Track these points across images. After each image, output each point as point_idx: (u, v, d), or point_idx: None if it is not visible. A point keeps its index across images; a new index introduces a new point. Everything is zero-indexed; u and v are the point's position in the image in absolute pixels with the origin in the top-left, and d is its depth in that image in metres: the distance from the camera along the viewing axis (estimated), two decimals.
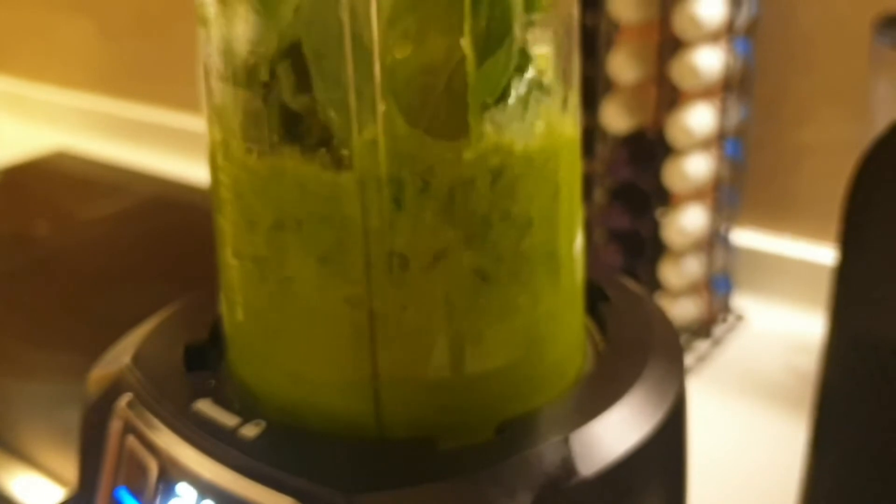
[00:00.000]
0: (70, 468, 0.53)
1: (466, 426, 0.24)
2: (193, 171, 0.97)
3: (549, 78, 0.24)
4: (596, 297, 0.29)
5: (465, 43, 0.22)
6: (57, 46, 1.14)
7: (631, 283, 0.30)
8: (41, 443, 0.56)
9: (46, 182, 1.01)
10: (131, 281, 0.77)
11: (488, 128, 0.23)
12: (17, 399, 0.61)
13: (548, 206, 0.25)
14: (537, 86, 0.24)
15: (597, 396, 0.25)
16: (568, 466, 0.23)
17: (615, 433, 0.24)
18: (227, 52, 0.23)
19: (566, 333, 0.26)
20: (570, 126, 0.25)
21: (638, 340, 0.27)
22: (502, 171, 0.23)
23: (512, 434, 0.24)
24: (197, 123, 1.01)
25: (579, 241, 0.26)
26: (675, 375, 0.26)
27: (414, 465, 0.23)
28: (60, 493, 0.51)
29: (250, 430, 0.24)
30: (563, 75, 0.25)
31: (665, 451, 0.25)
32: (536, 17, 0.23)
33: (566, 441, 0.23)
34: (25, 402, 0.61)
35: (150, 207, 0.93)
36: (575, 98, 0.25)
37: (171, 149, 1.02)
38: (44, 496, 0.51)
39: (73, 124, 1.12)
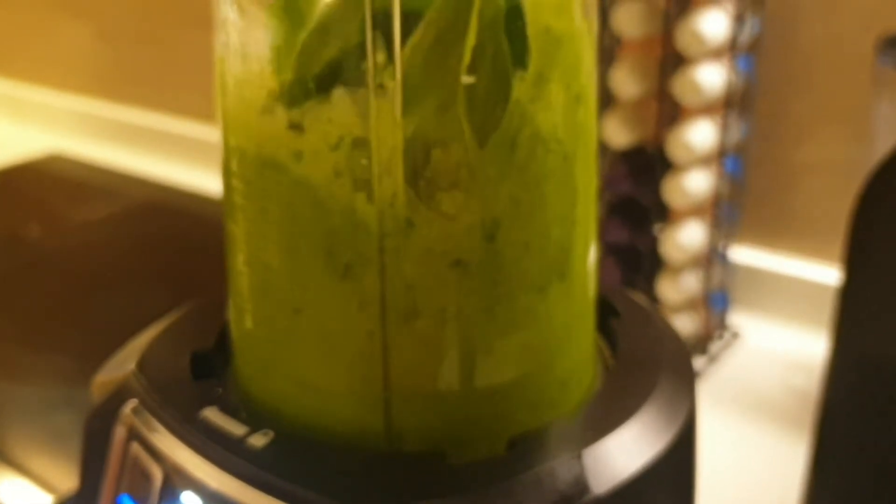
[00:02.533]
0: (59, 474, 0.53)
1: (477, 440, 0.24)
2: (188, 175, 0.97)
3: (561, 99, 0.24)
4: (606, 313, 0.29)
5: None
6: (53, 49, 1.14)
7: (640, 298, 0.30)
8: (29, 447, 0.56)
9: (41, 185, 1.00)
10: (123, 285, 0.77)
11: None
12: (5, 402, 0.60)
13: (562, 220, 0.25)
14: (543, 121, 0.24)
15: (609, 413, 0.25)
16: (580, 484, 0.22)
17: (628, 450, 0.23)
18: (246, 57, 0.23)
19: (578, 348, 0.26)
20: (586, 140, 0.25)
21: (649, 356, 0.27)
22: (516, 186, 0.23)
23: (523, 449, 0.24)
24: (193, 128, 1.00)
25: (592, 255, 0.26)
26: (687, 392, 0.26)
27: (424, 479, 0.23)
28: (48, 499, 0.51)
29: (258, 440, 0.24)
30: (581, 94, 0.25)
31: (676, 469, 0.25)
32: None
33: (579, 458, 0.23)
34: (14, 406, 0.60)
35: (144, 211, 0.92)
36: (592, 112, 0.25)
37: (166, 153, 1.02)
38: (31, 502, 0.51)
39: (69, 127, 1.12)
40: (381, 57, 0.21)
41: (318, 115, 0.22)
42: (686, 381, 0.26)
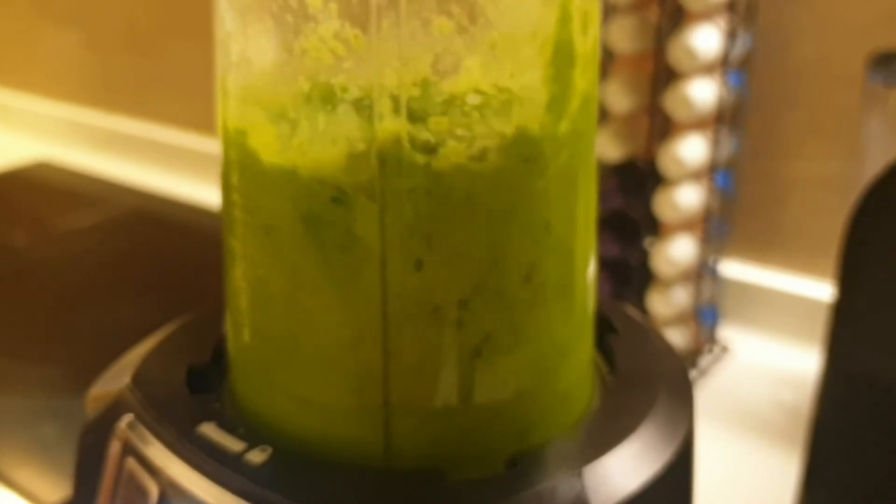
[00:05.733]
0: (45, 486, 0.52)
1: (477, 458, 0.24)
2: (176, 184, 0.97)
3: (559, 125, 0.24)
4: (603, 329, 0.29)
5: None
6: (43, 57, 1.13)
7: (637, 315, 0.30)
8: (15, 459, 0.55)
9: (28, 193, 1.00)
10: (110, 294, 0.76)
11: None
12: None
13: (563, 238, 0.25)
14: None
15: (608, 430, 0.25)
16: (581, 502, 0.22)
17: (628, 468, 0.23)
18: (249, 72, 0.23)
19: (577, 365, 0.26)
20: (586, 153, 0.25)
21: (647, 374, 0.27)
22: (518, 199, 0.23)
23: (523, 467, 0.23)
24: (180, 137, 1.00)
25: (592, 270, 0.26)
26: (686, 410, 0.26)
27: (423, 497, 0.23)
28: None
29: (256, 456, 0.24)
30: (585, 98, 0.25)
31: (675, 486, 0.25)
32: None
33: (579, 476, 0.23)
34: (0, 417, 0.60)
35: (131, 220, 0.92)
36: (593, 131, 0.25)
37: (153, 162, 1.02)
38: None
39: (57, 135, 1.11)
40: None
41: (323, 131, 0.22)
42: (684, 399, 0.26)
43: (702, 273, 0.61)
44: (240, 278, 0.25)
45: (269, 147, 0.23)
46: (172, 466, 0.24)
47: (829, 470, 0.40)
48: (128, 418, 0.26)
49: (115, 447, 0.26)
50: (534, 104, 0.23)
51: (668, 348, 0.29)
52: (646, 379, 0.27)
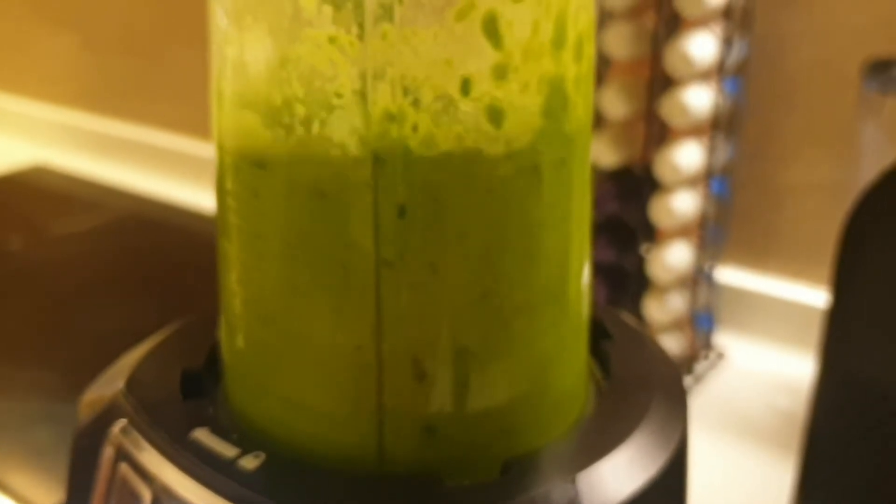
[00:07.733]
0: (39, 490, 0.52)
1: (470, 464, 0.24)
2: (172, 188, 0.97)
3: (560, 119, 0.24)
4: (597, 335, 0.29)
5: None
6: (38, 60, 1.13)
7: (632, 320, 0.30)
8: (10, 464, 0.55)
9: (25, 196, 1.00)
10: (106, 298, 0.76)
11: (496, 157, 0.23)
12: None
13: (557, 243, 0.25)
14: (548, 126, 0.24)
15: (603, 436, 0.25)
16: None
17: (622, 474, 0.23)
18: (244, 74, 0.23)
19: (571, 370, 0.26)
20: (581, 158, 0.25)
21: (641, 379, 0.27)
22: (511, 205, 0.23)
23: (518, 473, 0.23)
24: (177, 141, 1.00)
25: (586, 275, 0.26)
26: (680, 416, 0.26)
27: (417, 503, 0.23)
28: None
29: (250, 462, 0.24)
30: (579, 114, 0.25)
31: (669, 492, 0.25)
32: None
33: (573, 482, 0.23)
34: None
35: (127, 224, 0.92)
36: (587, 130, 0.26)
37: (150, 166, 1.02)
38: None
39: (53, 139, 1.11)
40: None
41: (317, 136, 0.22)
42: (679, 405, 0.26)
43: (698, 279, 0.61)
44: (234, 283, 0.25)
45: (263, 152, 0.23)
46: (166, 472, 0.24)
47: (825, 476, 0.41)
48: (121, 423, 0.26)
49: (108, 452, 0.26)
50: (529, 113, 0.23)
51: (662, 354, 0.29)
52: (640, 384, 0.27)
